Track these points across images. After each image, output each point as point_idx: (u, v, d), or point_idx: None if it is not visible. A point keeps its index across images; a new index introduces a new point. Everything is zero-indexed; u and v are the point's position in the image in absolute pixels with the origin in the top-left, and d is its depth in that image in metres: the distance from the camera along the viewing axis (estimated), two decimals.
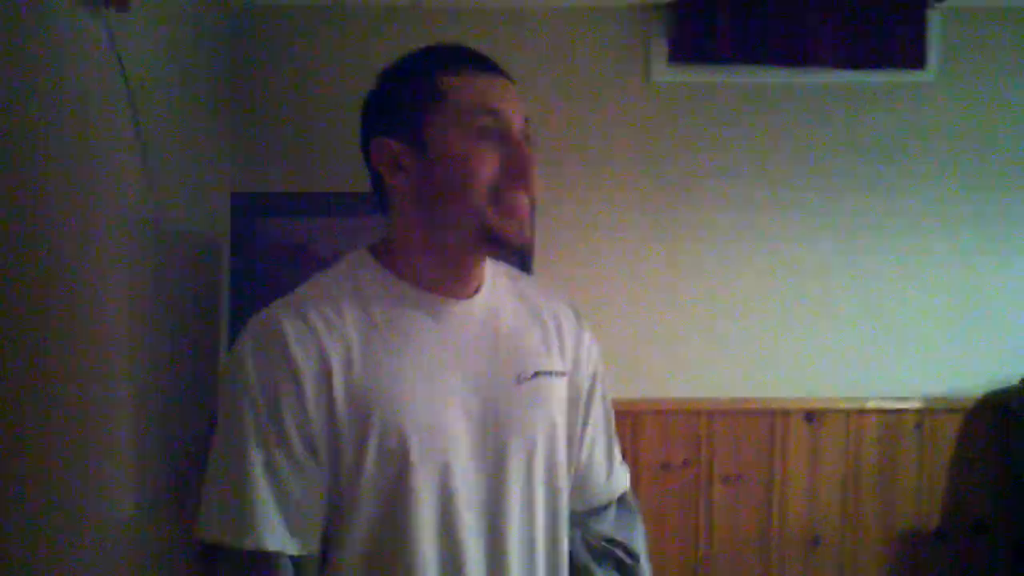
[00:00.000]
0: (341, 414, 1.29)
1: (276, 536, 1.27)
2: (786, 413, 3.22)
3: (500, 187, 1.29)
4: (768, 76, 3.08)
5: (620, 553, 1.51)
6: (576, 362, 1.50)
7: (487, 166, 1.29)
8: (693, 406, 3.20)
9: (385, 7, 3.00)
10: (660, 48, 3.05)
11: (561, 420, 1.46)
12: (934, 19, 3.09)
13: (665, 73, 3.07)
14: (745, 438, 3.22)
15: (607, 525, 1.53)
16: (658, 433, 3.20)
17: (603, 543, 1.52)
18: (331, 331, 1.31)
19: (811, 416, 3.23)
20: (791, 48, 2.99)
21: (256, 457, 1.27)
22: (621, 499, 1.58)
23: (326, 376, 1.29)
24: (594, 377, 1.55)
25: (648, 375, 3.19)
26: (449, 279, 1.37)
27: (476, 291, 1.41)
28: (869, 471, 3.25)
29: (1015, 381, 3.18)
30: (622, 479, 1.59)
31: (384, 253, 1.40)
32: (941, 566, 3.28)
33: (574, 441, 1.50)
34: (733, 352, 3.20)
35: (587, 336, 1.54)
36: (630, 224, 3.14)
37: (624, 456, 3.10)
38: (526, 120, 1.34)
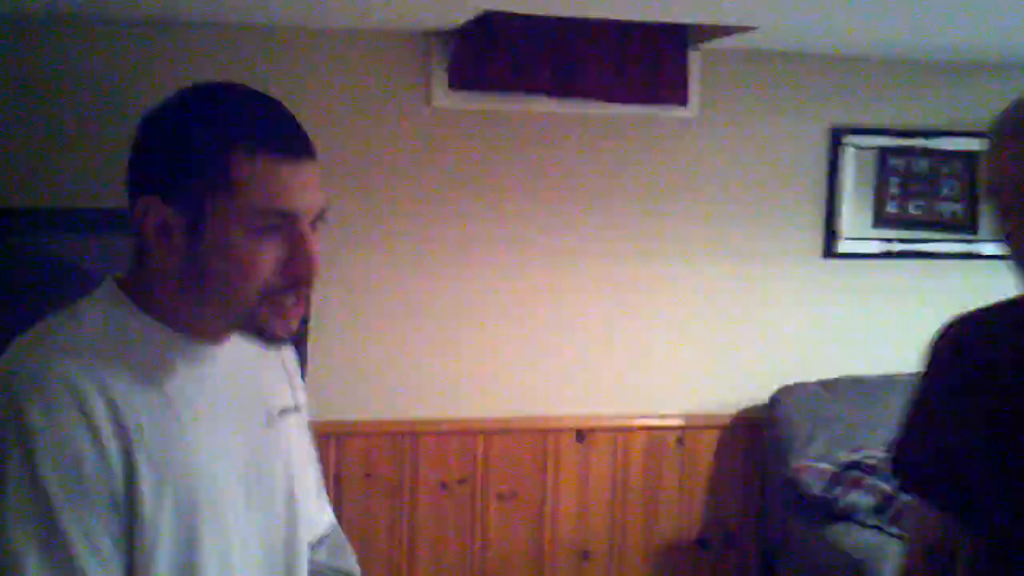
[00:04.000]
0: (139, 460, 1.16)
1: None
2: (558, 432, 3.33)
3: (276, 286, 1.19)
4: (542, 105, 3.20)
5: None
6: (302, 394, 1.45)
7: (266, 267, 1.18)
8: (469, 425, 3.26)
9: (159, 20, 2.92)
10: (441, 74, 3.12)
11: (306, 455, 1.43)
12: (694, 59, 3.29)
13: (445, 99, 3.14)
14: (519, 456, 3.31)
15: (324, 554, 1.50)
16: (436, 452, 3.24)
17: (326, 570, 1.49)
18: (107, 374, 1.17)
19: (581, 434, 3.35)
20: (562, 80, 3.12)
21: (68, 521, 1.11)
22: (333, 528, 1.55)
23: (118, 420, 1.15)
24: (305, 405, 1.47)
25: (425, 395, 3.23)
26: (207, 328, 1.26)
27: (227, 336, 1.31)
28: (635, 485, 3.40)
29: (765, 400, 3.41)
30: (329, 509, 1.55)
31: (135, 290, 1.25)
32: (701, 574, 3.46)
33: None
34: (508, 372, 3.29)
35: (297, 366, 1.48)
36: (406, 245, 3.19)
37: (403, 475, 3.17)
38: (323, 209, 1.22)
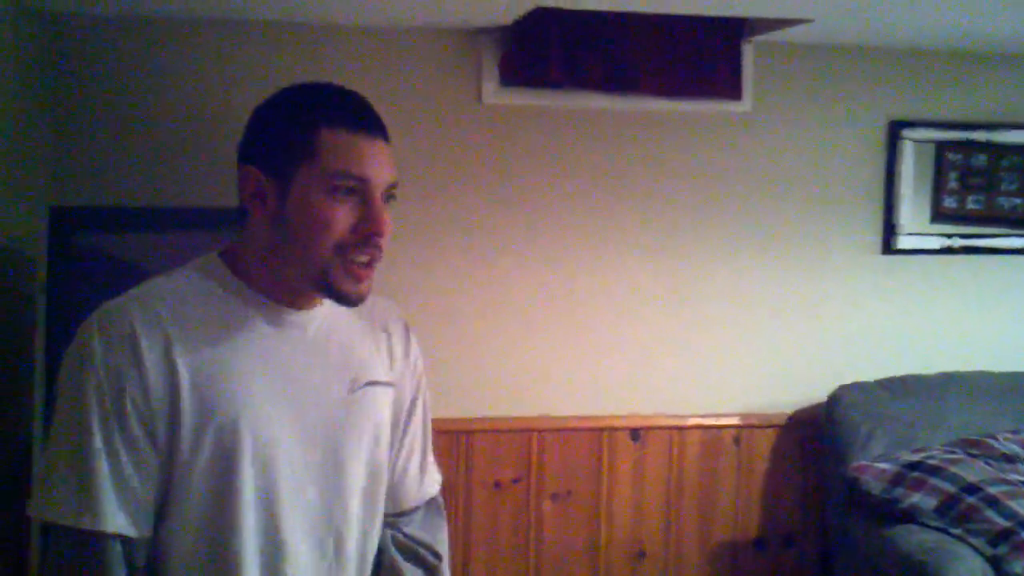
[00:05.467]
0: (184, 404, 1.35)
1: (113, 518, 1.32)
2: (613, 431, 3.31)
3: (349, 245, 1.38)
4: (594, 101, 3.18)
5: (425, 553, 1.62)
6: (403, 373, 1.61)
7: (341, 224, 1.37)
8: (523, 424, 3.24)
9: (217, 20, 2.94)
10: (491, 71, 3.11)
11: (386, 427, 1.57)
12: (748, 53, 3.26)
13: (496, 95, 3.13)
14: (573, 455, 3.29)
15: (415, 526, 1.64)
16: (490, 451, 3.23)
17: (410, 542, 1.62)
18: (177, 325, 1.37)
19: (636, 433, 3.32)
20: (614, 75, 3.10)
21: (97, 438, 1.32)
22: (430, 503, 1.68)
23: (170, 366, 1.35)
24: (417, 388, 1.66)
25: (479, 394, 3.21)
26: (291, 294, 1.46)
27: (316, 303, 1.50)
28: (691, 485, 3.37)
29: (823, 399, 3.36)
30: (433, 485, 1.69)
31: (233, 259, 1.46)
32: (759, 574, 3.42)
33: (393, 446, 1.61)
34: (562, 371, 3.27)
35: (414, 349, 1.65)
36: (460, 242, 3.18)
37: (457, 474, 3.16)
38: (392, 184, 1.42)
